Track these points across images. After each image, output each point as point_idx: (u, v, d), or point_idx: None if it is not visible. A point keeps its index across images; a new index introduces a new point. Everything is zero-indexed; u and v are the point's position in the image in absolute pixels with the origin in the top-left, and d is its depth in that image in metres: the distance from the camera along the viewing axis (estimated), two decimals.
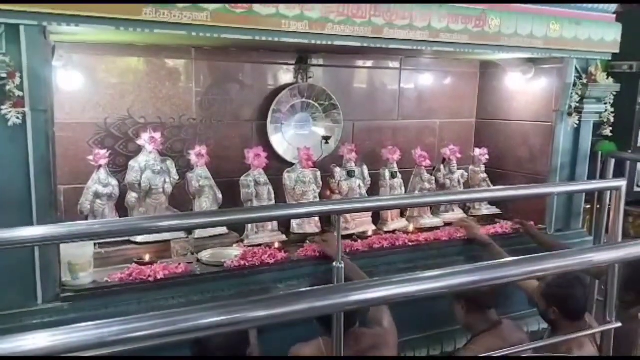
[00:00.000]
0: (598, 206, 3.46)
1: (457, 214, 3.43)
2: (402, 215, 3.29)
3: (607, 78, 3.22)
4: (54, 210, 2.11)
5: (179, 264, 2.45)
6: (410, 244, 2.94)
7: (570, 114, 3.22)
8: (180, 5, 2.08)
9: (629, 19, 3.34)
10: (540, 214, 3.34)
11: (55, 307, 2.11)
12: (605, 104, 3.28)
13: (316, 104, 3.24)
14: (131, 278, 2.30)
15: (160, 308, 2.21)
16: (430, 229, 3.18)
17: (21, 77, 1.93)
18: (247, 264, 2.49)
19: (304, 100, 3.20)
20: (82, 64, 2.65)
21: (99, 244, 2.48)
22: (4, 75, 1.88)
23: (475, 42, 2.75)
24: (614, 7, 3.17)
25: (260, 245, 2.71)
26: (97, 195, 2.56)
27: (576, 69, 3.17)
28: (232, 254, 2.60)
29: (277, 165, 3.08)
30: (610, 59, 3.27)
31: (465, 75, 3.78)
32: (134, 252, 2.54)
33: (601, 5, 3.10)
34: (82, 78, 2.66)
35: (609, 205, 2.88)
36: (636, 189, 4.40)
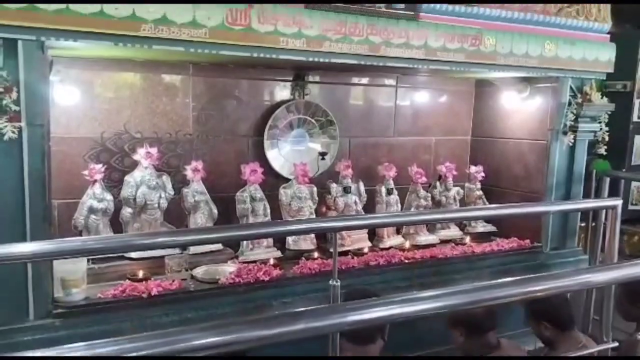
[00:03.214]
0: (593, 224, 3.47)
1: (453, 231, 3.43)
2: (398, 232, 3.29)
3: (602, 97, 3.25)
4: (48, 224, 2.09)
5: (173, 280, 2.43)
6: (406, 261, 2.93)
7: (565, 133, 3.24)
8: (179, 22, 2.09)
9: (622, 39, 3.38)
10: (536, 232, 3.34)
11: (47, 323, 2.08)
12: (600, 122, 3.31)
13: (313, 120, 3.25)
14: (124, 294, 2.28)
15: (153, 325, 2.18)
16: (426, 246, 3.17)
17: (18, 92, 1.93)
18: (241, 281, 2.48)
19: (300, 116, 3.21)
20: (79, 79, 2.65)
21: (92, 259, 2.45)
22: (1, 90, 1.88)
23: (471, 61, 2.77)
24: (608, 27, 3.20)
25: (255, 261, 2.70)
26: (91, 210, 2.54)
27: (571, 88, 3.20)
28: (227, 270, 2.58)
29: (273, 181, 3.08)
30: (604, 78, 3.30)
31: (461, 94, 3.80)
32: (127, 268, 2.52)
33: (596, 25, 3.13)
34: (79, 93, 2.66)
35: (605, 223, 2.88)
36: (630, 207, 4.43)
